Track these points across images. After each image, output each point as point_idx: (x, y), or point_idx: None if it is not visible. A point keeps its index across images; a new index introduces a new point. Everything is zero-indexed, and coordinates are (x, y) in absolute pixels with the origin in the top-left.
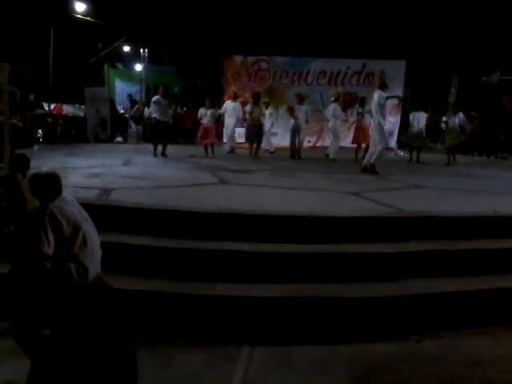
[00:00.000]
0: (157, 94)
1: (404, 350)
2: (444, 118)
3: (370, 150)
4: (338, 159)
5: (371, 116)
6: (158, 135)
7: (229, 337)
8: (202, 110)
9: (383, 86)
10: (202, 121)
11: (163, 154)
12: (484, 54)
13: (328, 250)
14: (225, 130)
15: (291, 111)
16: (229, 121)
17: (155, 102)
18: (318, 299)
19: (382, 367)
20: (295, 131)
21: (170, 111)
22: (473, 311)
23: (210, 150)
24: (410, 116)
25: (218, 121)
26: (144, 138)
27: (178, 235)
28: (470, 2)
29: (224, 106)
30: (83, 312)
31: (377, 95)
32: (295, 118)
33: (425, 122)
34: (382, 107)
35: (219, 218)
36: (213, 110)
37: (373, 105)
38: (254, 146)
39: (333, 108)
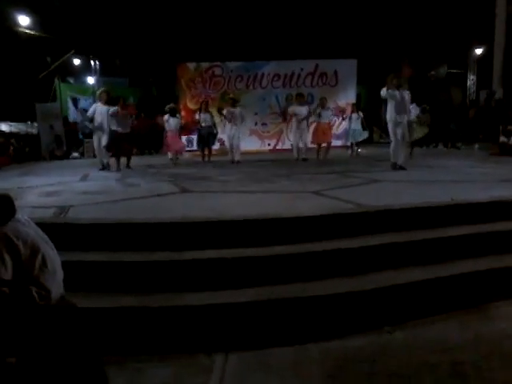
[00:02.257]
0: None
1: (376, 342)
2: None
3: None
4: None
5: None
6: (118, 148)
7: (201, 346)
8: (166, 117)
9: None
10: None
11: (128, 166)
12: (431, 49)
13: (293, 251)
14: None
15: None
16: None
17: (113, 115)
18: (287, 300)
19: (355, 360)
20: (231, 136)
21: (129, 121)
22: (440, 298)
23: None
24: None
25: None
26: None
27: (139, 248)
28: None
29: (226, 112)
30: (49, 335)
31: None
32: (230, 122)
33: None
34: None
35: (180, 227)
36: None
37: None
38: (206, 152)
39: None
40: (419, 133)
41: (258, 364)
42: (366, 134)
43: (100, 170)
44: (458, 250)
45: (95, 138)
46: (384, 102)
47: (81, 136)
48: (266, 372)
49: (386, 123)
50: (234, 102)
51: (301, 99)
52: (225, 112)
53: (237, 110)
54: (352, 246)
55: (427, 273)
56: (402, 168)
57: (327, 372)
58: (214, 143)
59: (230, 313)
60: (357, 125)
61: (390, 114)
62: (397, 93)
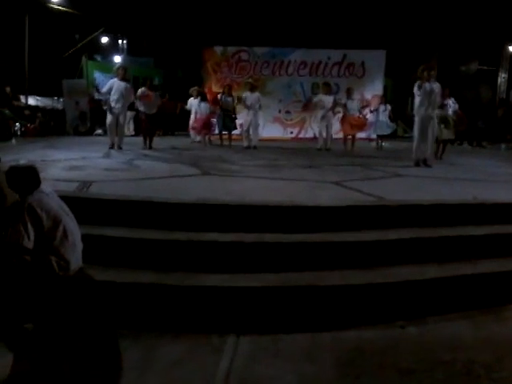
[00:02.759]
0: (143, 87)
1: (388, 335)
2: None
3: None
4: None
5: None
6: (146, 129)
7: (214, 327)
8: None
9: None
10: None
11: (150, 147)
12: (462, 44)
13: (311, 240)
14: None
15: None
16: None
17: (139, 96)
18: (302, 288)
19: (366, 352)
20: (249, 121)
21: (157, 103)
22: (455, 296)
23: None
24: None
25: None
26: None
27: (160, 226)
28: None
29: (244, 97)
30: (65, 305)
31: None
32: (246, 107)
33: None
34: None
35: (202, 208)
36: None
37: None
38: (226, 136)
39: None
40: (449, 133)
41: (269, 348)
42: (393, 128)
43: (109, 148)
44: (477, 249)
45: (110, 115)
46: (411, 95)
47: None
48: (277, 356)
49: (412, 117)
50: (253, 87)
51: (327, 89)
52: (242, 97)
53: (255, 95)
54: (371, 239)
55: (444, 270)
56: (426, 165)
57: (339, 361)
58: (234, 128)
59: (245, 296)
60: (384, 117)
61: (417, 107)
62: (426, 85)
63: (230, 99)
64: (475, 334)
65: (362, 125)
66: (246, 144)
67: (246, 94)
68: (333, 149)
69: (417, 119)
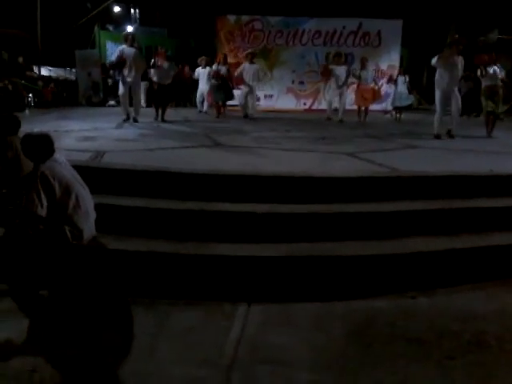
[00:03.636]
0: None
1: (399, 306)
2: None
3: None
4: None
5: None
6: (159, 99)
7: (226, 296)
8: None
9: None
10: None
11: (162, 119)
12: (481, 13)
13: (323, 210)
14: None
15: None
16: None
17: (153, 65)
18: (314, 258)
19: (377, 322)
20: (245, 92)
21: (171, 73)
22: (467, 268)
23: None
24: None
25: None
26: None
27: (173, 196)
28: None
29: (242, 68)
30: (79, 272)
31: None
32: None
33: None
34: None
35: (214, 179)
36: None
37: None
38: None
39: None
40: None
41: (280, 316)
42: (412, 99)
43: (124, 120)
44: (490, 221)
45: (122, 85)
46: (428, 66)
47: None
48: (288, 324)
49: (426, 89)
50: (253, 57)
51: (339, 59)
52: (240, 68)
53: (254, 67)
54: (383, 210)
55: (457, 242)
56: (450, 136)
57: (349, 329)
58: (228, 98)
59: (257, 266)
60: (403, 88)
61: (437, 80)
62: (449, 56)
63: (223, 68)
64: (486, 306)
65: (374, 96)
66: (243, 113)
67: (245, 65)
68: (346, 120)
69: (437, 92)
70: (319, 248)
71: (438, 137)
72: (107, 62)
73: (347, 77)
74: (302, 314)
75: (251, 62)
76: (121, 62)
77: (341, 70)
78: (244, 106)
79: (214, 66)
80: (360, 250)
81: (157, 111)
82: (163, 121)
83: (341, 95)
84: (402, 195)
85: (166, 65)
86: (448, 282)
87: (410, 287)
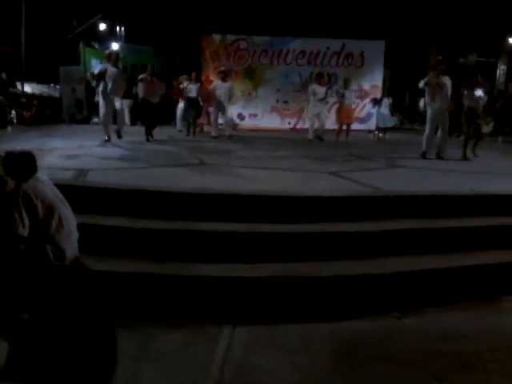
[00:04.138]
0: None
1: (384, 326)
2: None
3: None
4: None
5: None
6: (148, 118)
7: (210, 317)
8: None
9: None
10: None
11: (148, 137)
12: (461, 35)
13: (307, 230)
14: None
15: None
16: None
17: (141, 80)
18: (299, 278)
19: (362, 343)
20: (219, 109)
21: (161, 90)
22: (451, 288)
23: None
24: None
25: None
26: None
27: (155, 216)
28: None
29: (214, 86)
30: (61, 294)
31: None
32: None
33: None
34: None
35: (197, 198)
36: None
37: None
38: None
39: (314, 88)
40: (487, 126)
41: (265, 338)
42: (395, 120)
43: (105, 141)
44: (474, 241)
45: (103, 103)
46: (410, 87)
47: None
48: (273, 346)
49: (408, 109)
50: (225, 76)
51: (320, 79)
52: (212, 85)
53: (226, 85)
54: (367, 230)
55: (441, 261)
56: (439, 157)
57: (334, 351)
58: (196, 115)
59: (242, 286)
60: (386, 110)
61: (428, 101)
62: (436, 78)
63: (194, 87)
64: (472, 325)
65: (353, 113)
66: (213, 134)
67: (217, 83)
68: (327, 140)
69: (429, 113)
70: (304, 268)
71: (423, 155)
72: (88, 73)
73: (325, 97)
74: (287, 336)
75: (223, 81)
76: (101, 74)
77: (322, 90)
78: (216, 125)
79: (185, 84)
80: (344, 270)
81: (147, 130)
82: (150, 140)
83: (320, 114)
84: (386, 214)
85: (155, 82)
86: (433, 302)
87: (395, 307)
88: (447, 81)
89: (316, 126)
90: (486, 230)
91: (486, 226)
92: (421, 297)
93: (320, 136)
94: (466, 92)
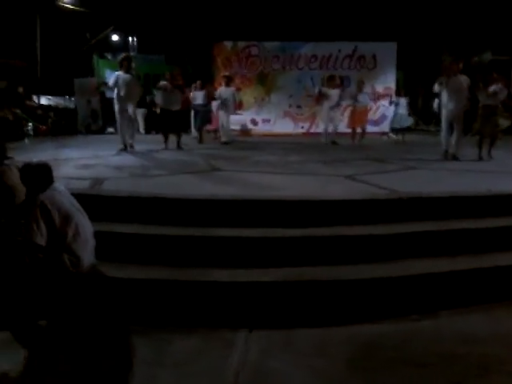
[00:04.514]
0: (164, 80)
1: (402, 329)
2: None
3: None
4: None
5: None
6: (164, 125)
7: (226, 322)
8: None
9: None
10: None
11: (178, 147)
12: (474, 34)
13: (323, 233)
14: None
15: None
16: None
17: (159, 88)
18: (315, 282)
19: (380, 346)
20: (222, 113)
21: (179, 97)
22: (469, 290)
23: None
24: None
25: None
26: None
27: (171, 222)
28: None
29: (218, 92)
30: (78, 302)
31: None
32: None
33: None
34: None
35: (212, 204)
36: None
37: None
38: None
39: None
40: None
41: (282, 342)
42: (411, 120)
43: (121, 150)
44: (494, 242)
45: (117, 111)
46: (424, 87)
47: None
48: (289, 350)
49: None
50: (228, 82)
51: (332, 82)
52: (217, 91)
53: (229, 90)
54: (384, 233)
55: (458, 263)
56: (454, 158)
57: (352, 355)
58: (205, 122)
59: (257, 291)
60: (404, 110)
61: (444, 102)
62: (454, 79)
63: (201, 93)
64: (489, 328)
65: (367, 117)
66: (222, 139)
67: (221, 89)
68: (341, 143)
69: (443, 113)
70: (320, 272)
71: (444, 157)
72: (101, 82)
73: (340, 99)
74: (303, 340)
75: (227, 86)
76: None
77: (334, 93)
78: (218, 131)
79: (192, 93)
80: (361, 274)
81: (165, 139)
82: (179, 148)
83: (333, 118)
84: (403, 217)
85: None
86: (450, 304)
87: (413, 310)
88: (464, 80)
89: (330, 129)
90: (504, 231)
91: (504, 227)
92: (438, 299)
93: (334, 140)
94: (480, 90)
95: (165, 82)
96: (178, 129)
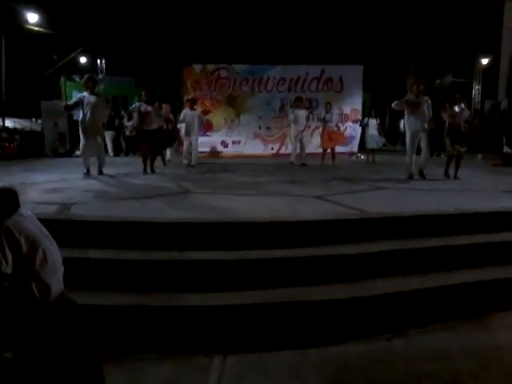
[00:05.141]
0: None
1: (374, 349)
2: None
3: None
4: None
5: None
6: (149, 148)
7: (199, 347)
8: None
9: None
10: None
11: (151, 170)
12: (437, 57)
13: (294, 255)
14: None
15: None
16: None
17: (134, 108)
18: (286, 304)
19: (353, 367)
20: (187, 136)
21: (161, 116)
22: (439, 307)
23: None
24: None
25: None
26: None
27: (141, 247)
28: (424, 4)
29: (182, 115)
30: (47, 332)
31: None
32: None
33: (376, 127)
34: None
35: (182, 227)
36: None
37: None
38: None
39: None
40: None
41: (256, 366)
42: (383, 141)
43: (85, 173)
44: (460, 259)
45: (82, 134)
46: (390, 109)
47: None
48: (264, 374)
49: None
50: (192, 104)
51: (299, 103)
52: (182, 114)
53: (194, 114)
54: (354, 252)
55: (428, 281)
56: (422, 176)
57: (326, 376)
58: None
59: (230, 315)
60: (374, 130)
61: (405, 121)
62: (412, 98)
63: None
64: (460, 344)
65: (340, 138)
66: (185, 162)
67: (185, 112)
68: (311, 164)
69: (407, 133)
70: (292, 293)
71: (410, 177)
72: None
73: (307, 120)
74: (278, 363)
75: (192, 109)
76: (75, 105)
77: (301, 114)
78: (186, 155)
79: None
80: (332, 294)
81: (144, 162)
82: (153, 172)
83: (301, 138)
84: (372, 236)
85: (151, 111)
86: (421, 322)
87: (385, 329)
88: (425, 101)
89: (298, 150)
90: (470, 248)
91: (470, 244)
92: (409, 317)
93: (303, 162)
94: (447, 110)
95: (140, 103)
96: (157, 149)
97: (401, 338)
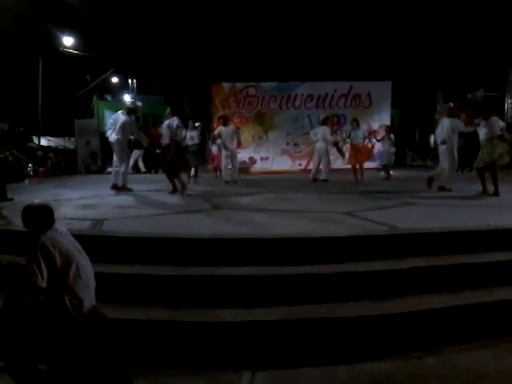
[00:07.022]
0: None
1: (406, 367)
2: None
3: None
4: (329, 180)
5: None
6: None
7: (229, 363)
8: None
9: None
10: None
11: (183, 186)
12: (468, 72)
13: (324, 271)
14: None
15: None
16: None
17: (165, 127)
18: (318, 320)
19: None
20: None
21: (184, 134)
22: (473, 325)
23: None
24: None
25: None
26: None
27: (172, 262)
28: (453, 19)
29: (217, 131)
30: (79, 345)
31: (453, 122)
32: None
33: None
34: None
35: (213, 243)
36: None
37: (446, 130)
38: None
39: (323, 131)
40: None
41: (285, 383)
42: (392, 157)
43: (112, 188)
44: (493, 276)
45: (118, 153)
46: (419, 124)
47: None
48: None
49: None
50: (225, 121)
51: (327, 122)
52: (217, 130)
53: (229, 129)
54: (384, 269)
55: (461, 299)
56: (443, 189)
57: None
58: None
59: (259, 331)
60: (389, 147)
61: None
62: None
63: (195, 133)
64: (494, 364)
65: (365, 155)
66: (227, 178)
67: (221, 129)
68: (338, 179)
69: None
70: (322, 310)
71: (440, 188)
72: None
73: (333, 136)
74: (306, 380)
75: (225, 125)
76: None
77: (325, 131)
78: (226, 171)
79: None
80: (363, 311)
81: (178, 178)
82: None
83: (323, 155)
84: (403, 253)
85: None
86: (454, 340)
87: (416, 347)
88: (445, 122)
89: (321, 166)
90: (504, 265)
91: (504, 261)
92: (441, 335)
93: (325, 178)
94: (478, 124)
95: (169, 121)
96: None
97: (433, 357)
